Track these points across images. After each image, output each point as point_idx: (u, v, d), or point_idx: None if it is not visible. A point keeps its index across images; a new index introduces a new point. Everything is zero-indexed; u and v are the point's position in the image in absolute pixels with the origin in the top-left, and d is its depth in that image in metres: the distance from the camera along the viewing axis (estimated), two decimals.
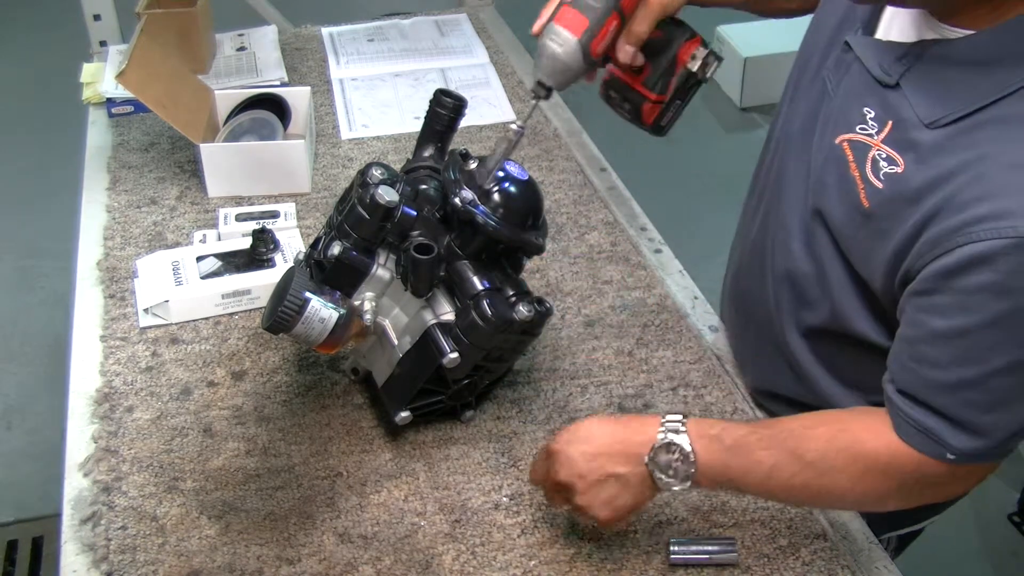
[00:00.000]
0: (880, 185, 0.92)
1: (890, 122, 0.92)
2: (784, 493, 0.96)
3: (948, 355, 0.86)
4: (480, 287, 1.04)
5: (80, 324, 1.29)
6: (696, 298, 1.37)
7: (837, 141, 0.98)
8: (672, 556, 1.01)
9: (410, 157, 1.18)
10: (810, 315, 1.08)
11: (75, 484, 1.08)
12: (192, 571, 0.99)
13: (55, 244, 2.94)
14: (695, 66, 1.06)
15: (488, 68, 1.90)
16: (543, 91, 1.00)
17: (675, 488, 0.94)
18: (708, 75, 1.08)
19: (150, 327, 1.28)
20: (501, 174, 1.04)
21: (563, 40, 0.97)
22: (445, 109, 1.14)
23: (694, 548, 1.01)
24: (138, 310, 1.29)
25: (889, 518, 1.23)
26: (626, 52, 1.03)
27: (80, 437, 1.13)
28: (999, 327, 0.83)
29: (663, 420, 0.94)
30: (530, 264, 1.31)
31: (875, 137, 0.93)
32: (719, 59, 1.08)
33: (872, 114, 0.94)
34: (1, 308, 2.82)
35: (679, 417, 0.94)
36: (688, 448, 0.92)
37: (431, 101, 1.15)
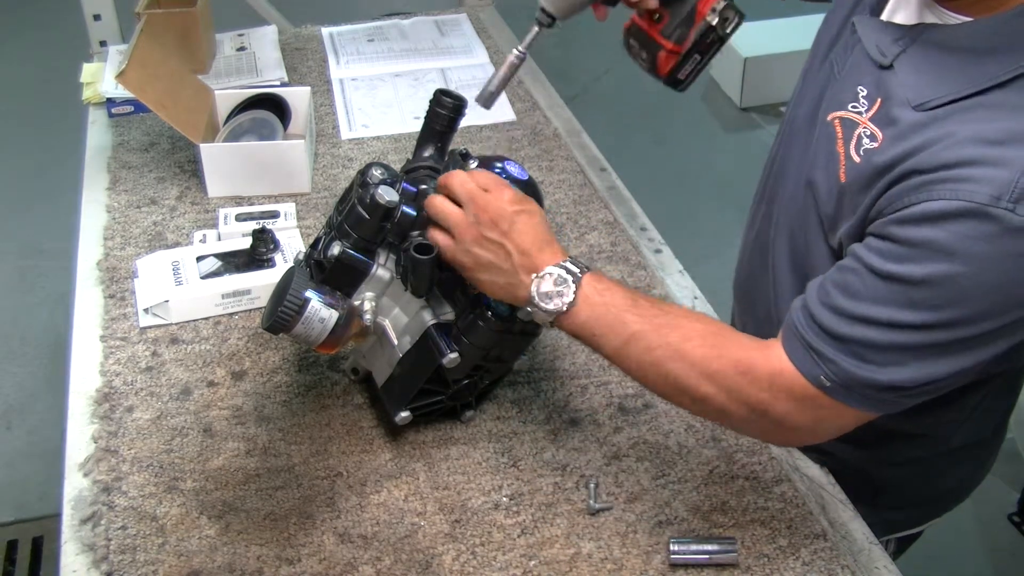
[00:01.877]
0: (858, 160, 0.92)
1: (879, 100, 0.93)
2: (633, 364, 0.96)
3: (870, 291, 0.86)
4: None
5: (80, 324, 1.29)
6: (696, 298, 1.37)
7: (829, 118, 0.98)
8: (672, 556, 1.01)
9: (410, 157, 1.18)
10: None
11: (75, 484, 1.08)
12: (192, 571, 0.99)
13: (55, 244, 2.94)
14: (714, 20, 1.05)
15: (488, 68, 1.90)
16: (547, 19, 1.01)
17: (540, 315, 0.97)
18: (728, 30, 1.06)
19: (150, 327, 1.28)
20: (499, 166, 1.05)
21: None
22: (445, 109, 1.14)
23: (694, 548, 1.01)
24: (138, 310, 1.29)
25: (888, 521, 1.23)
26: None
27: (80, 437, 1.13)
28: (929, 286, 0.82)
29: (566, 259, 0.97)
30: None
31: (863, 115, 0.94)
32: (740, 14, 1.06)
33: (865, 92, 0.95)
34: (1, 308, 2.82)
35: (581, 267, 0.97)
36: (570, 296, 0.95)
37: (431, 101, 1.15)
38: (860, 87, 0.95)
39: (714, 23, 1.05)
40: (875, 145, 0.91)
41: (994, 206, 0.78)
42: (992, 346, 0.85)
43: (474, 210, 0.98)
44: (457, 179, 1.01)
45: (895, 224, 0.85)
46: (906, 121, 0.88)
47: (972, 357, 0.86)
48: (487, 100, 1.01)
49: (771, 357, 0.91)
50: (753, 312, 1.20)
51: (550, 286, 0.96)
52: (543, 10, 1.00)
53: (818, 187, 1.00)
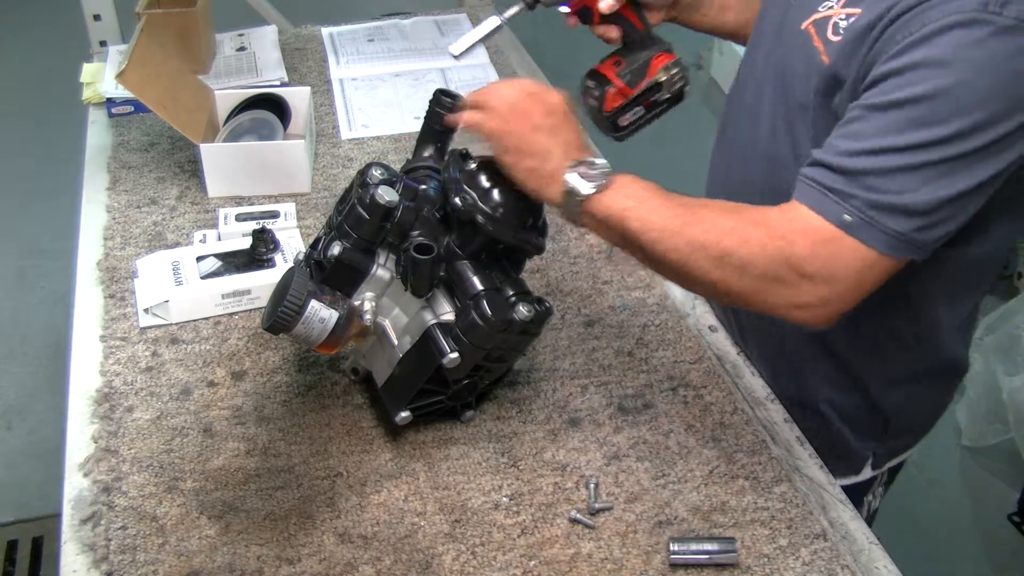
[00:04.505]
0: (839, 38, 0.94)
1: None
2: (656, 233, 0.96)
3: (873, 126, 0.87)
4: (480, 287, 1.04)
5: (80, 324, 1.29)
6: (696, 298, 1.37)
7: (803, 27, 1.00)
8: (672, 556, 1.01)
9: (410, 157, 1.18)
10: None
11: (75, 484, 1.08)
12: (192, 571, 0.99)
13: (55, 244, 2.94)
14: (663, 77, 1.17)
15: (488, 68, 1.90)
16: (532, 0, 1.12)
17: (573, 193, 0.98)
18: (673, 91, 1.18)
19: (150, 327, 1.28)
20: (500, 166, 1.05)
21: None
22: (444, 109, 1.14)
23: (694, 548, 1.01)
24: (138, 310, 1.29)
25: (892, 449, 1.27)
26: (607, 2, 1.12)
27: (80, 437, 1.13)
28: (929, 100, 0.84)
29: (598, 159, 1.00)
30: (530, 264, 1.31)
31: (835, 7, 0.96)
32: (686, 80, 1.19)
33: None
34: (1, 308, 2.82)
35: (609, 168, 1.00)
36: (604, 175, 0.98)
37: (431, 101, 1.15)
38: None
39: (662, 80, 1.16)
40: (855, 18, 0.92)
41: (982, 11, 0.82)
42: (1000, 157, 0.86)
43: (527, 102, 1.00)
44: (498, 86, 1.05)
45: (891, 59, 0.87)
46: None
47: (981, 171, 0.87)
48: (461, 52, 1.12)
49: (786, 209, 0.93)
50: None
51: (584, 168, 0.98)
52: None
53: (798, 90, 1.01)
